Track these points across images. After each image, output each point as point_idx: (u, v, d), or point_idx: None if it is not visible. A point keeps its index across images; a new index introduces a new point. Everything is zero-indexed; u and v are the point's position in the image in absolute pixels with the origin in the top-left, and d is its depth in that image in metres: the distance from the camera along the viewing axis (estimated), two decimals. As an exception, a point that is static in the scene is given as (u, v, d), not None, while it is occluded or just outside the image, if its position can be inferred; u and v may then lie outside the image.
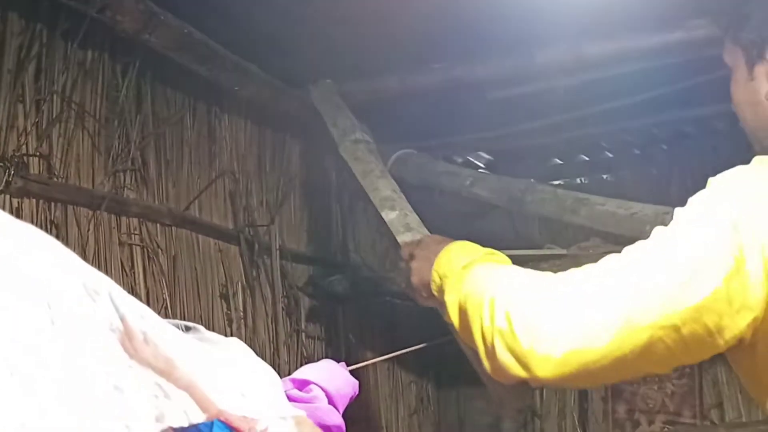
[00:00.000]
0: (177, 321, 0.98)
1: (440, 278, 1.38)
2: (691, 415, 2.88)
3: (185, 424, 0.57)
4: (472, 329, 1.20)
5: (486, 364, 1.17)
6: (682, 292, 1.00)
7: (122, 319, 0.58)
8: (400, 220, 1.95)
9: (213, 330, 2.32)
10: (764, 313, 1.00)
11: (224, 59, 2.19)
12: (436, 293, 1.41)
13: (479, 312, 1.18)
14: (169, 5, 1.94)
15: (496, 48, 2.32)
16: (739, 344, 1.04)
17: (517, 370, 1.10)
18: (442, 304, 1.35)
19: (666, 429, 2.91)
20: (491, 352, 1.14)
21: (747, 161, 1.33)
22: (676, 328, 1.00)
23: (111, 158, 2.00)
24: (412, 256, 1.50)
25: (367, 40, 2.26)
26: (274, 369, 2.50)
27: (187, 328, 1.01)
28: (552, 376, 1.06)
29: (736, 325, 1.00)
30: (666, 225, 1.10)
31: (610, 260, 1.09)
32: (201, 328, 1.02)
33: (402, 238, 1.89)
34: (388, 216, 1.99)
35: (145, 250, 2.06)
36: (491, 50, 2.34)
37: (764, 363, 1.05)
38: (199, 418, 0.58)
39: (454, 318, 1.28)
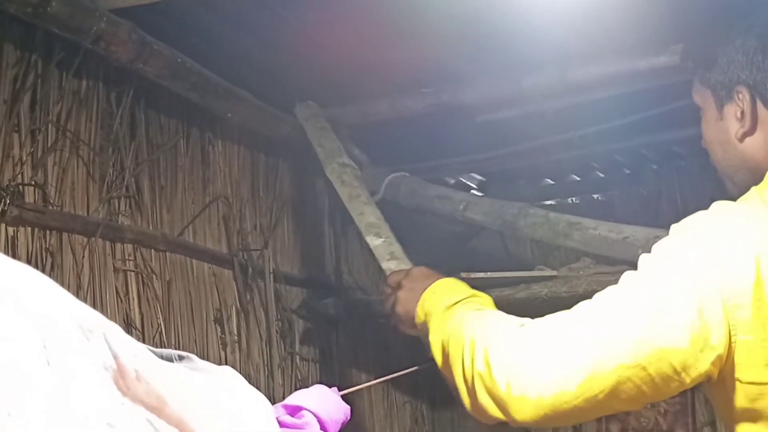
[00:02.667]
0: (170, 351, 1.00)
1: (425, 315, 1.46)
2: (684, 433, 2.90)
3: (175, 460, 0.59)
4: (453, 370, 1.27)
5: (467, 403, 1.24)
6: (647, 335, 1.07)
7: (115, 358, 0.60)
8: (385, 247, 2.00)
9: (208, 354, 2.35)
10: (726, 351, 1.05)
11: (216, 86, 2.22)
12: (419, 327, 1.48)
13: (460, 354, 1.24)
14: (162, 35, 1.97)
15: (484, 72, 2.36)
16: (708, 380, 1.09)
17: (496, 412, 1.17)
18: (426, 340, 1.42)
19: (659, 447, 2.92)
20: (472, 394, 1.21)
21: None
22: (642, 368, 1.06)
23: (105, 185, 2.02)
24: (399, 286, 1.57)
25: (357, 66, 2.30)
26: (269, 392, 2.52)
27: (180, 357, 1.03)
28: (529, 418, 1.13)
29: (701, 364, 1.06)
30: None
31: (581, 306, 1.16)
32: (194, 357, 1.04)
33: (387, 265, 1.95)
34: (374, 242, 2.04)
35: (140, 275, 2.08)
36: (479, 75, 2.38)
37: (732, 396, 1.10)
38: (188, 453, 0.60)
39: (437, 356, 1.35)
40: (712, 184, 2.93)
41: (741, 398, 1.09)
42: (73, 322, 0.58)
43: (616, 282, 1.23)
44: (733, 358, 1.06)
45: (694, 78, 1.31)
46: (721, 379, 1.09)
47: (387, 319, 1.65)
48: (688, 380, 1.07)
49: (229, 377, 0.92)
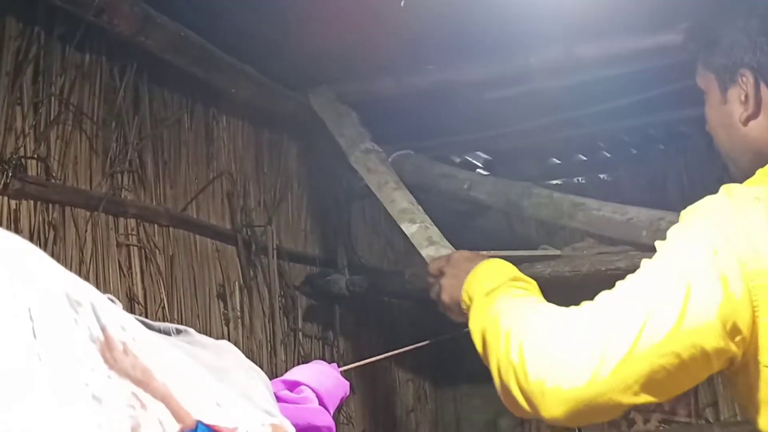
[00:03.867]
0: (168, 324, 1.00)
1: (469, 299, 1.42)
2: (686, 414, 2.90)
3: (160, 434, 0.59)
4: (490, 360, 1.24)
5: (500, 394, 1.20)
6: (678, 321, 1.04)
7: (103, 330, 0.59)
8: (422, 233, 1.97)
9: (210, 330, 2.35)
10: (750, 333, 1.04)
11: (220, 61, 2.21)
12: (466, 312, 1.44)
13: (497, 344, 1.21)
14: (165, 8, 1.95)
15: (491, 49, 2.33)
16: (731, 365, 1.07)
17: (526, 406, 1.13)
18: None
19: (662, 428, 2.92)
20: (505, 385, 1.17)
21: None
22: (677, 355, 1.04)
23: (108, 160, 2.01)
24: (441, 273, 1.55)
25: (362, 42, 2.28)
26: (272, 368, 2.51)
27: (178, 331, 1.03)
28: (560, 413, 1.09)
29: (730, 345, 1.03)
30: (661, 230, 1.13)
31: (606, 297, 1.13)
32: (192, 331, 1.04)
33: (426, 252, 1.92)
34: (409, 229, 2.00)
35: (143, 250, 2.08)
36: (486, 51, 2.35)
37: (756, 382, 1.08)
38: (173, 428, 0.60)
39: (478, 344, 1.32)
40: (719, 163, 2.91)
41: (765, 384, 1.07)
42: (61, 293, 0.57)
43: (619, 261, 1.22)
44: (757, 341, 1.05)
45: (696, 61, 1.29)
46: (744, 363, 1.07)
47: (435, 307, 1.62)
48: (716, 365, 1.06)
49: (226, 351, 0.91)
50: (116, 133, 2.05)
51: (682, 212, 1.13)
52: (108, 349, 0.58)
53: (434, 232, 1.98)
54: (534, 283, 1.41)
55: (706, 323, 1.04)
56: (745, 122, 1.20)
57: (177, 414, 0.60)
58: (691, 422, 2.88)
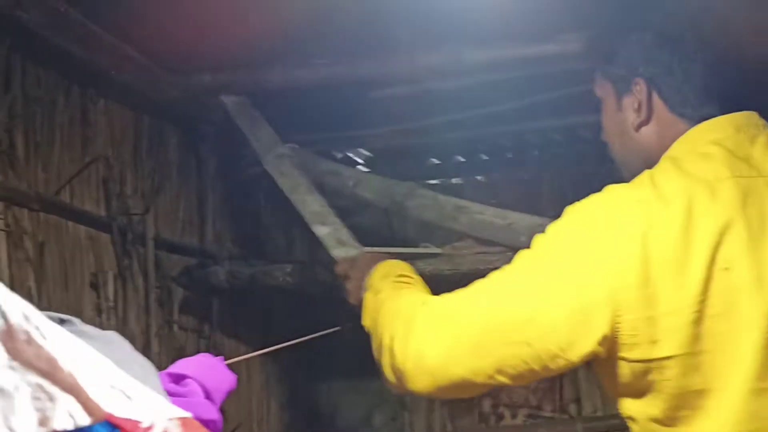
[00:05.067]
0: (50, 313, 0.95)
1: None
2: (552, 409, 3.03)
3: (70, 428, 0.56)
4: (374, 348, 1.42)
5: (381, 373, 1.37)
6: (531, 314, 1.14)
7: (4, 318, 0.56)
8: (332, 234, 2.07)
9: (82, 319, 2.25)
10: (611, 330, 1.11)
11: (101, 41, 2.12)
12: None
13: (377, 331, 1.39)
14: (46, -18, 1.86)
15: (379, 48, 2.36)
16: (596, 358, 1.15)
17: (399, 384, 1.29)
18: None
19: (528, 422, 3.04)
20: (383, 365, 1.34)
21: (610, 170, 1.46)
22: (528, 344, 1.14)
23: (-24, 139, 1.90)
24: (347, 277, 1.71)
25: (250, 30, 2.25)
26: (146, 361, 2.41)
27: (62, 321, 0.99)
28: (423, 388, 1.25)
29: (584, 344, 1.13)
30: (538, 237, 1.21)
31: (476, 284, 1.25)
32: (76, 320, 1.00)
33: (336, 252, 2.00)
34: (320, 231, 2.09)
35: (10, 235, 1.97)
36: (374, 50, 2.37)
37: (620, 372, 1.17)
38: (84, 420, 0.58)
39: (372, 336, 1.47)
40: (588, 170, 3.05)
41: (627, 375, 1.15)
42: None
43: (497, 261, 1.31)
44: (618, 337, 1.11)
45: (596, 72, 1.37)
46: (608, 357, 1.14)
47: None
48: (574, 359, 1.13)
49: (116, 342, 0.88)
50: (-16, 112, 1.93)
51: (566, 208, 1.20)
52: (10, 339, 0.55)
53: (344, 233, 2.08)
54: (418, 278, 1.50)
55: (554, 322, 1.13)
56: (637, 128, 1.30)
57: (87, 406, 0.58)
58: (555, 417, 3.01)
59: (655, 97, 1.28)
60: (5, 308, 0.56)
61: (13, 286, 1.93)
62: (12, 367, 0.54)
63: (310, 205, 2.19)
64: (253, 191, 2.98)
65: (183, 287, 2.63)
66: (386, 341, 1.30)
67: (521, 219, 2.17)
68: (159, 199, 2.58)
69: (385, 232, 3.24)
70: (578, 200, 1.22)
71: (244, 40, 2.31)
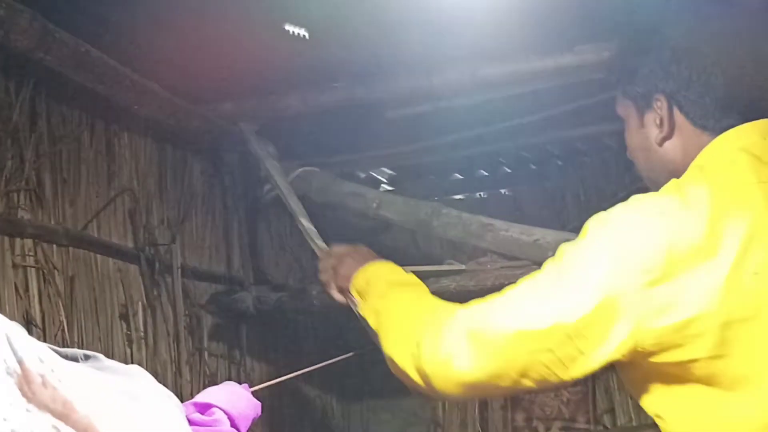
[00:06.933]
0: (75, 350, 0.97)
1: (358, 294, 1.70)
2: (585, 421, 3.00)
3: (85, 467, 0.58)
4: (386, 344, 1.49)
5: (394, 371, 1.45)
6: (555, 322, 1.16)
7: (20, 363, 0.58)
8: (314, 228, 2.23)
9: (113, 351, 2.29)
10: (635, 340, 1.12)
11: (123, 77, 2.16)
12: (348, 295, 1.77)
13: (395, 333, 1.46)
14: (66, 23, 1.90)
15: (395, 69, 2.38)
16: (619, 362, 1.16)
17: (422, 384, 1.35)
18: (355, 308, 1.72)
19: (562, 435, 3.02)
20: (401, 367, 1.41)
21: (634, 176, 1.48)
22: (551, 351, 1.16)
23: (4, 178, 1.94)
24: (345, 254, 1.82)
25: (267, 60, 2.28)
26: (177, 389, 2.47)
27: (87, 357, 1.01)
28: (449, 390, 1.30)
29: (605, 352, 1.14)
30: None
31: (506, 291, 1.27)
32: (101, 356, 1.01)
33: (321, 243, 2.16)
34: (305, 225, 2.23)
35: (41, 271, 2.01)
36: (390, 71, 2.39)
37: (643, 375, 1.19)
38: (98, 460, 0.59)
39: (377, 329, 1.56)
40: (612, 177, 3.04)
41: (651, 377, 1.16)
42: (-26, 326, 0.56)
43: (522, 275, 1.33)
44: (641, 345, 1.13)
45: (616, 93, 1.39)
46: (631, 361, 1.16)
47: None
48: (595, 365, 1.15)
49: (137, 376, 0.90)
50: (12, 151, 1.97)
51: (592, 217, 1.21)
52: (26, 383, 0.57)
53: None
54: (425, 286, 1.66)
55: (578, 331, 1.15)
56: (661, 143, 1.31)
57: (101, 446, 0.59)
58: (590, 428, 2.98)
59: (676, 112, 1.29)
60: (21, 354, 0.58)
61: (44, 322, 1.98)
62: (28, 410, 0.56)
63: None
64: (279, 216, 3.01)
65: (211, 314, 2.66)
66: (410, 345, 1.36)
67: (546, 234, 2.17)
68: (185, 228, 2.62)
69: (411, 251, 3.25)
70: (603, 210, 1.22)
71: (261, 68, 2.34)
